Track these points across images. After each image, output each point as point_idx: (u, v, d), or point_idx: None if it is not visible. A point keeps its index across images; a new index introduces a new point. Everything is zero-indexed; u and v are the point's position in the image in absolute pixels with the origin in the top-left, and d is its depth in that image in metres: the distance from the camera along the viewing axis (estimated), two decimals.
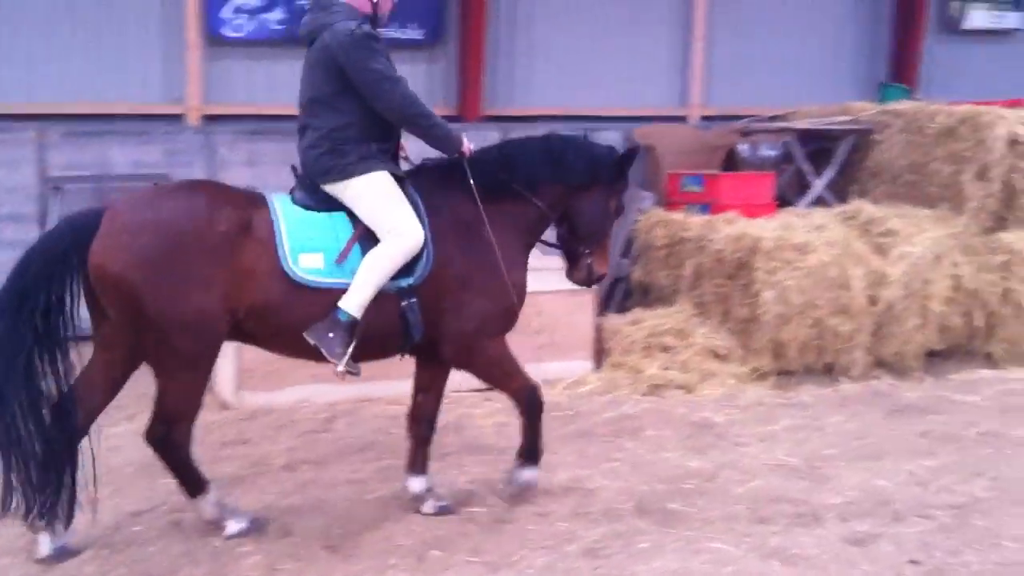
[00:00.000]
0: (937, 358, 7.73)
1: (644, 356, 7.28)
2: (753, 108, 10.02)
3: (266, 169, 8.77)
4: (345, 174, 4.63)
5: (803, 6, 11.04)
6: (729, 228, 7.58)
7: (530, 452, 5.11)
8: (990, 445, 6.06)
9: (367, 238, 4.60)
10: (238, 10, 9.24)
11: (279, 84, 9.41)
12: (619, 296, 8.41)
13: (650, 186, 9.02)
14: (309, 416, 6.50)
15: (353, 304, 4.48)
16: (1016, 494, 5.31)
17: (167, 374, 4.42)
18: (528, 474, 5.12)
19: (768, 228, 7.47)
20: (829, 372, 7.33)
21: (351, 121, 4.65)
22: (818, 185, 8.83)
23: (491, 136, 9.84)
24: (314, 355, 4.59)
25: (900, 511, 5.06)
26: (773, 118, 9.51)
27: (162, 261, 4.26)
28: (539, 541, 4.68)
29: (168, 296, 4.27)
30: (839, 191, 8.83)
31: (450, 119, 9.97)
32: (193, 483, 4.61)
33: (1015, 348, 7.69)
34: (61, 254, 4.32)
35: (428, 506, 5.02)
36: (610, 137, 9.95)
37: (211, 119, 9.20)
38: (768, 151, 9.27)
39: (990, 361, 7.73)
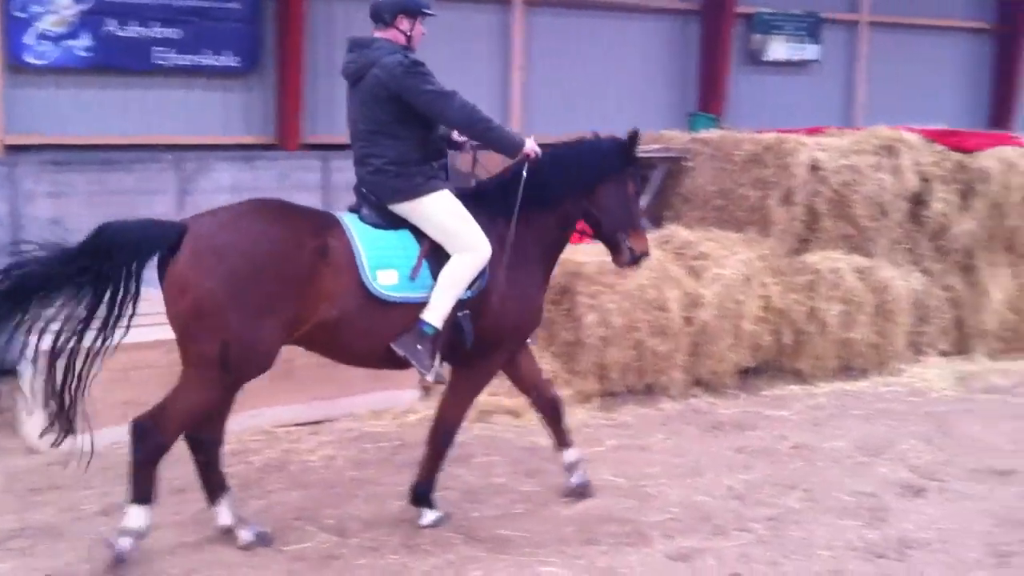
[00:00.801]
0: (750, 375, 8.05)
1: None
2: (572, 135, 10.23)
3: (74, 201, 8.37)
4: (413, 194, 4.96)
5: (616, 40, 11.39)
6: None
7: (424, 488, 5.28)
8: (802, 458, 6.34)
9: (434, 253, 4.95)
10: (42, 36, 8.81)
11: (87, 113, 9.05)
12: None
13: None
14: (123, 459, 6.20)
15: (436, 317, 4.87)
16: (828, 504, 5.58)
17: (195, 381, 4.55)
18: (428, 516, 5.23)
19: (589, 253, 7.62)
20: (650, 392, 7.52)
21: (411, 146, 5.00)
22: None
23: (312, 166, 9.73)
24: (385, 365, 5.05)
25: (721, 525, 5.24)
26: None
27: (245, 286, 4.46)
28: None
29: (244, 320, 4.46)
30: (655, 216, 9.11)
31: (268, 148, 9.86)
32: (142, 490, 4.58)
33: (822, 364, 8.08)
34: (133, 248, 4.49)
35: (577, 477, 5.59)
36: None
37: (14, 149, 8.73)
38: None
39: (799, 377, 8.08)
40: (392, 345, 4.86)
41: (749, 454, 6.42)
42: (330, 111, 9.87)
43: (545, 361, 7.43)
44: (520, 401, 7.09)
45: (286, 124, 9.79)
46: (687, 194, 9.06)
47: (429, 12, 5.17)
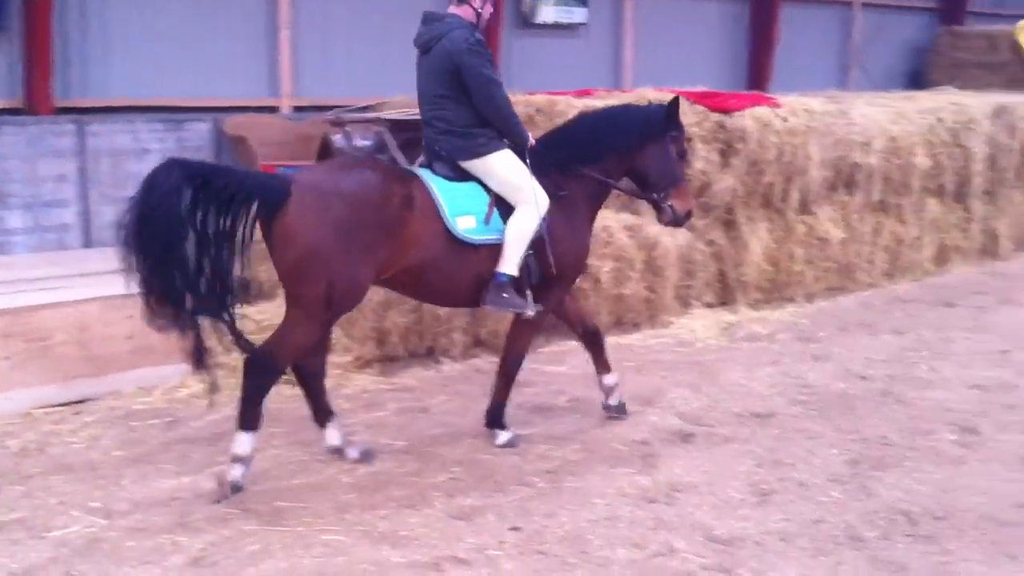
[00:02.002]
0: None
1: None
2: (345, 99, 10.06)
3: None
4: (479, 153, 5.56)
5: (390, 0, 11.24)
6: None
7: (496, 413, 6.00)
8: (578, 411, 6.51)
9: (499, 202, 5.56)
10: None
11: None
12: None
13: None
14: None
15: (511, 266, 5.52)
16: (603, 454, 5.75)
17: (305, 318, 5.09)
18: (501, 437, 5.92)
19: None
20: (431, 354, 7.52)
21: (473, 111, 5.53)
22: None
23: (66, 130, 9.15)
24: (466, 303, 5.75)
25: (501, 482, 5.31)
26: (365, 108, 9.60)
27: (347, 230, 4.98)
28: (140, 557, 4.42)
29: (346, 260, 5.00)
30: None
31: (17, 112, 9.19)
32: (252, 418, 5.08)
33: (596, 319, 8.27)
34: (244, 196, 4.89)
35: (613, 399, 6.35)
36: (200, 129, 9.61)
37: None
38: (362, 141, 9.34)
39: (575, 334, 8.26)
40: (484, 306, 5.58)
41: (528, 410, 6.53)
42: (84, 74, 9.30)
43: None
44: None
45: (35, 87, 9.15)
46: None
47: None
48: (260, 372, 5.06)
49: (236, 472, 5.06)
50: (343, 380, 7.00)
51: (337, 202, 5.03)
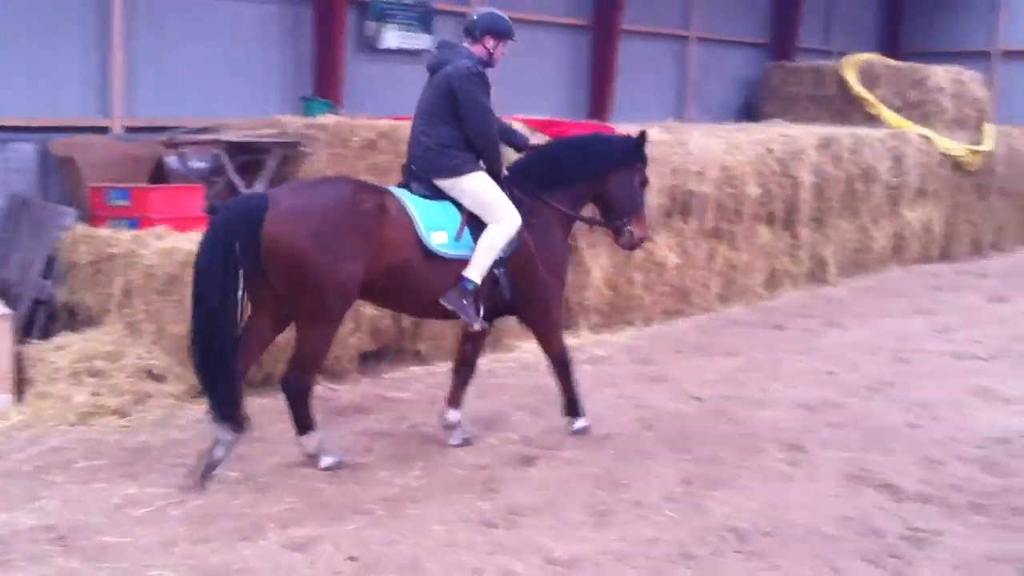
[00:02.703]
0: (371, 359, 8.11)
1: (73, 383, 6.76)
2: (180, 119, 9.77)
3: None
4: (456, 172, 5.98)
5: (228, 20, 10.97)
6: (159, 243, 7.31)
7: (571, 404, 6.55)
8: (420, 437, 6.48)
9: (472, 221, 5.97)
10: None
11: None
12: (42, 320, 7.75)
13: (72, 201, 8.43)
14: None
15: (476, 274, 5.90)
16: (443, 479, 5.72)
17: (310, 326, 5.60)
18: (579, 423, 6.54)
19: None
20: (269, 382, 7.34)
21: (459, 134, 5.98)
22: None
23: None
24: (440, 315, 6.07)
25: (339, 511, 5.22)
26: (201, 130, 9.36)
27: (325, 237, 5.43)
28: None
29: (327, 264, 5.44)
30: None
31: None
32: (305, 423, 5.76)
33: (440, 344, 8.28)
34: (236, 228, 5.41)
35: (455, 438, 6.35)
36: (26, 150, 9.17)
37: None
38: (198, 163, 9.09)
39: (419, 358, 8.24)
40: (440, 300, 5.87)
41: (370, 437, 6.47)
42: None
43: (155, 356, 7.08)
44: (125, 400, 6.70)
45: None
46: (304, 179, 8.91)
47: (512, 38, 6.30)
48: (295, 391, 5.73)
49: (327, 460, 5.81)
50: (176, 410, 6.78)
51: (311, 208, 5.51)
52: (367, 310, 7.78)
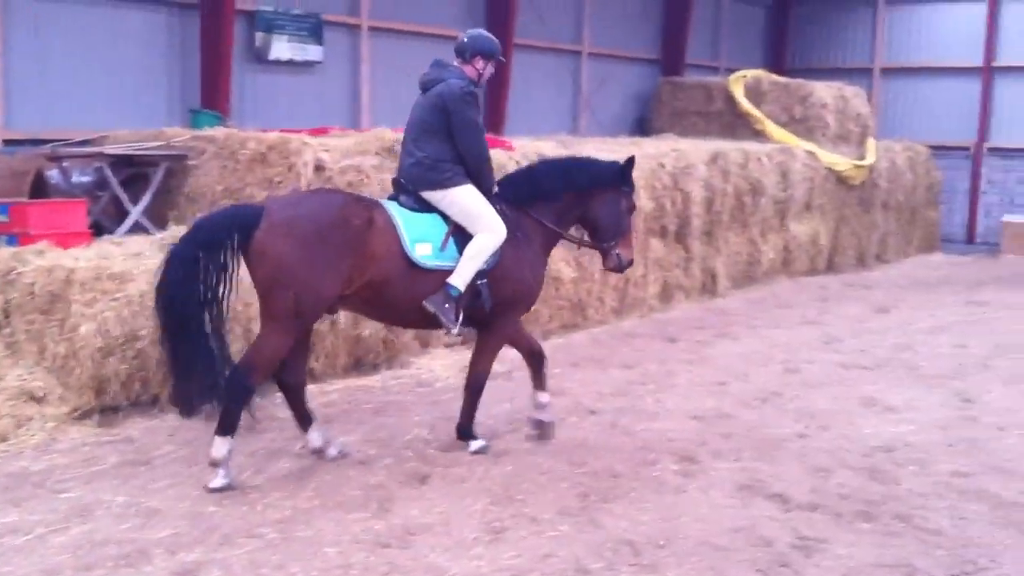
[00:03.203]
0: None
1: None
2: (62, 132, 9.48)
3: None
4: (444, 184, 6.19)
5: (112, 30, 10.70)
6: (40, 260, 7.06)
7: (465, 426, 6.61)
8: (312, 457, 6.34)
9: (458, 232, 6.16)
10: None
11: None
12: None
13: None
14: None
15: (460, 281, 6.08)
16: (337, 500, 5.62)
17: (275, 329, 5.73)
18: (474, 445, 6.52)
19: (83, 258, 7.09)
20: (156, 403, 7.15)
21: (447, 149, 6.20)
22: (135, 212, 8.61)
23: None
24: (417, 324, 6.39)
25: (229, 534, 5.09)
26: (84, 142, 9.09)
27: (310, 248, 5.65)
28: None
29: (311, 272, 5.65)
30: (157, 217, 8.70)
31: None
32: (229, 425, 5.71)
33: (333, 361, 8.16)
34: (226, 232, 5.65)
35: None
36: None
37: None
38: (81, 177, 8.82)
39: (312, 376, 8.06)
40: (424, 302, 6.04)
41: (262, 458, 6.32)
42: None
43: (36, 377, 6.82)
44: (5, 423, 6.44)
45: None
46: (192, 193, 8.74)
47: (501, 59, 6.57)
48: (238, 387, 5.69)
49: (216, 479, 5.69)
50: (57, 434, 6.54)
51: (302, 221, 5.72)
52: (256, 327, 7.62)
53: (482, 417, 7.26)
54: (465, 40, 6.50)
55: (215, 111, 10.70)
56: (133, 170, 8.79)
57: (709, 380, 8.66)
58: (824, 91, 16.42)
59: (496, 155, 9.65)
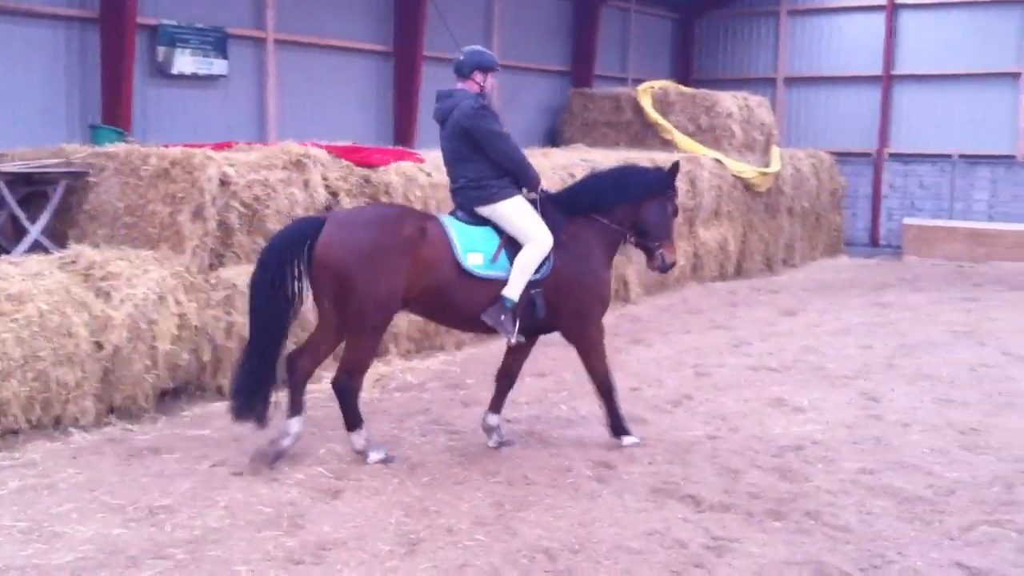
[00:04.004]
0: (170, 397, 7.79)
1: None
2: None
3: None
4: (492, 200, 6.57)
5: (8, 43, 10.40)
6: None
7: (616, 425, 6.96)
8: (222, 475, 6.22)
9: (509, 244, 6.55)
10: None
11: None
12: None
13: None
14: None
15: (514, 292, 6.46)
16: (248, 518, 5.52)
17: (357, 336, 6.30)
18: (627, 440, 6.92)
19: None
20: (58, 425, 6.95)
21: (484, 167, 6.58)
22: (33, 231, 8.36)
23: None
24: (480, 328, 6.69)
25: (135, 557, 4.97)
26: None
27: (368, 254, 6.11)
28: None
29: (370, 279, 6.10)
30: (57, 236, 8.47)
31: None
32: (355, 420, 6.46)
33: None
34: (299, 242, 6.23)
35: (493, 440, 6.92)
36: None
37: None
38: None
39: (221, 393, 7.95)
40: (482, 317, 6.47)
41: (168, 478, 6.17)
42: None
43: None
44: None
45: None
46: (93, 211, 8.52)
47: (497, 69, 6.86)
48: (345, 389, 6.42)
49: (373, 456, 6.46)
50: None
51: (358, 234, 6.21)
52: (162, 346, 7.48)
53: (394, 429, 7.25)
54: (462, 57, 6.83)
55: (116, 127, 10.46)
56: (31, 188, 8.55)
57: (623, 386, 8.64)
58: (729, 101, 16.72)
59: (406, 167, 9.73)
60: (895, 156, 20.24)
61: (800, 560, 5.08)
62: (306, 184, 8.82)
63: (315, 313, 6.64)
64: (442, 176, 9.86)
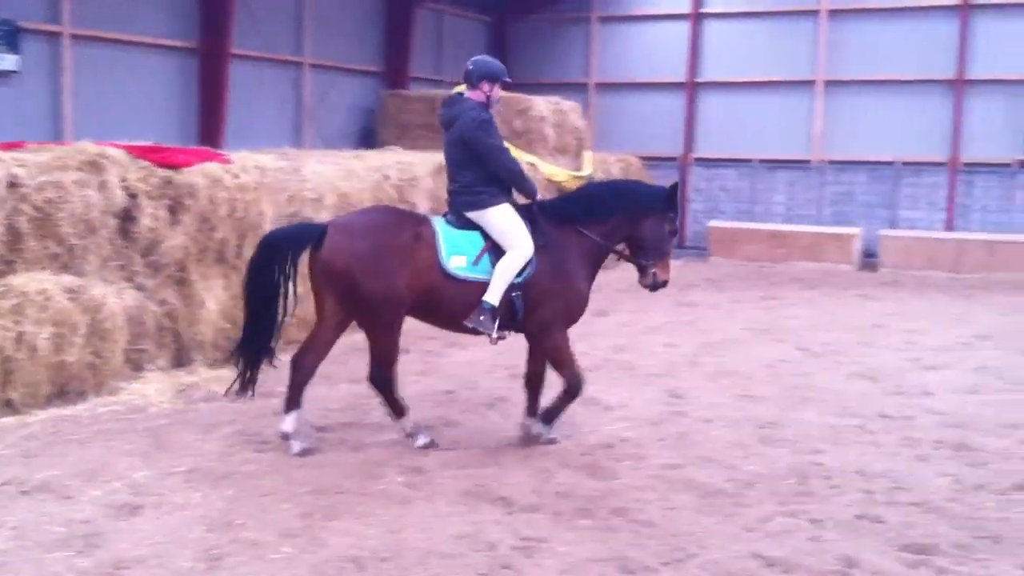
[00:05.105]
0: None
1: None
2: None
3: None
4: (481, 206, 6.86)
5: None
6: None
7: (548, 415, 7.22)
8: (10, 494, 5.87)
9: (493, 250, 6.81)
10: None
11: None
12: None
13: None
14: None
15: (494, 296, 6.71)
16: (38, 538, 5.23)
17: (374, 334, 6.82)
18: (540, 428, 7.18)
19: None
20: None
21: (480, 174, 6.86)
22: None
23: None
24: (460, 328, 6.92)
25: None
26: None
27: (370, 258, 6.58)
28: None
29: (373, 281, 6.56)
30: None
31: None
32: (398, 409, 7.00)
33: (34, 391, 7.60)
34: (295, 243, 6.82)
35: (537, 429, 7.24)
36: None
37: None
38: None
39: (10, 407, 7.50)
40: (464, 322, 6.77)
41: None
42: None
43: None
44: None
45: None
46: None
47: (505, 79, 7.12)
48: (380, 383, 6.90)
49: (420, 440, 6.97)
50: None
51: (360, 235, 6.63)
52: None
53: (199, 441, 7.01)
54: (471, 67, 7.08)
55: None
56: None
57: (439, 389, 8.71)
58: (542, 105, 16.96)
59: (212, 169, 9.42)
60: (700, 160, 21.01)
61: (605, 557, 5.17)
62: (103, 186, 8.43)
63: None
64: (249, 177, 9.68)
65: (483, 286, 6.75)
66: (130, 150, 9.01)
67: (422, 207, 12.33)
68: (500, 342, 7.07)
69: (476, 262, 6.81)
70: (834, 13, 19.79)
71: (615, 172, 18.28)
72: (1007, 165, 18.74)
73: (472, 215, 6.93)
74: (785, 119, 20.28)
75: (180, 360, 9.01)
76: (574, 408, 8.07)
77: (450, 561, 5.07)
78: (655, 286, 7.34)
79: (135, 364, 8.51)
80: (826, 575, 5.06)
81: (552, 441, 7.14)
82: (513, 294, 6.84)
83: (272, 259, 6.72)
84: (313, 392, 8.40)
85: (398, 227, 6.75)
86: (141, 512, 5.67)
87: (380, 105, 17.78)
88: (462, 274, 6.77)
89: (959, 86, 18.87)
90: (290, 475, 6.33)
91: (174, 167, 9.14)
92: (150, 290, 8.79)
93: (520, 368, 9.42)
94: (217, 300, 9.31)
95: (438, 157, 13.50)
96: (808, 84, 20.12)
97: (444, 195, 12.73)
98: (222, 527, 5.45)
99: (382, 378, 6.89)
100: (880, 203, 19.62)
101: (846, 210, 19.90)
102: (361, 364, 9.48)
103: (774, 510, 5.92)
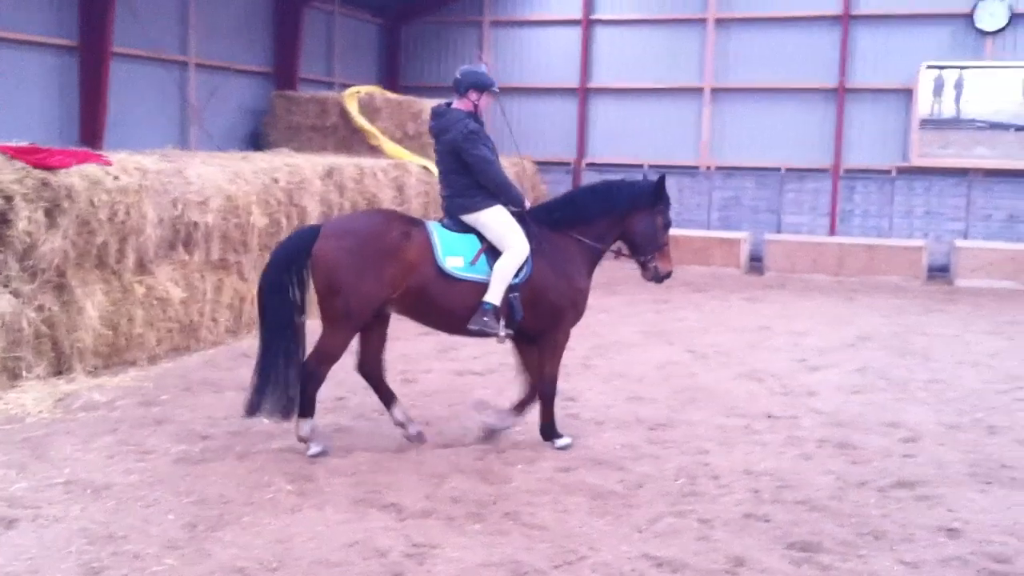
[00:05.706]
0: None
1: None
2: None
3: None
4: (475, 208, 7.10)
5: None
6: None
7: (546, 431, 7.29)
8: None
9: (489, 251, 7.03)
10: None
11: None
12: None
13: None
14: None
15: (494, 297, 6.92)
16: None
17: (332, 328, 6.88)
18: (559, 443, 7.23)
19: None
20: None
21: (472, 180, 7.09)
22: None
23: None
24: (459, 329, 7.09)
25: None
26: None
27: (355, 256, 6.76)
28: None
29: (356, 278, 6.74)
30: None
31: None
32: (306, 408, 6.92)
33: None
34: (299, 251, 6.90)
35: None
36: None
37: None
38: None
39: None
40: (468, 325, 6.91)
41: None
42: None
43: None
44: None
45: None
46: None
47: (495, 90, 7.30)
48: (308, 376, 6.86)
49: (314, 449, 6.83)
50: None
51: (350, 235, 6.81)
52: None
53: (78, 451, 6.77)
54: (459, 76, 7.24)
55: None
56: None
57: (329, 396, 8.54)
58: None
59: (91, 170, 9.12)
60: (592, 165, 21.17)
61: (497, 561, 5.15)
62: None
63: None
64: (130, 179, 9.42)
65: (481, 286, 6.91)
66: (4, 150, 8.67)
67: (312, 210, 12.18)
68: (498, 342, 7.17)
69: (474, 262, 6.96)
70: (721, 21, 20.17)
71: (509, 175, 18.26)
72: (887, 172, 19.38)
73: (467, 218, 7.10)
74: (674, 125, 20.58)
75: (59, 368, 8.70)
76: (467, 412, 8.08)
77: (339, 570, 4.99)
78: (659, 278, 7.54)
79: (12, 373, 8.18)
80: (714, 574, 5.13)
81: (567, 446, 7.19)
82: (511, 295, 6.98)
83: (283, 279, 6.84)
84: (198, 401, 8.26)
85: (386, 227, 6.89)
86: (16, 526, 5.44)
87: (269, 106, 17.49)
88: (460, 274, 6.91)
89: (841, 94, 19.44)
90: (174, 485, 6.16)
91: (51, 168, 8.82)
92: (27, 296, 8.45)
93: (410, 373, 9.41)
94: (97, 306, 9.01)
95: (327, 160, 13.41)
96: (696, 91, 20.46)
97: (336, 199, 12.79)
98: (103, 540, 5.27)
99: (316, 373, 6.89)
100: (766, 208, 20.08)
101: (733, 215, 20.32)
102: (249, 372, 9.32)
103: (664, 510, 5.99)
